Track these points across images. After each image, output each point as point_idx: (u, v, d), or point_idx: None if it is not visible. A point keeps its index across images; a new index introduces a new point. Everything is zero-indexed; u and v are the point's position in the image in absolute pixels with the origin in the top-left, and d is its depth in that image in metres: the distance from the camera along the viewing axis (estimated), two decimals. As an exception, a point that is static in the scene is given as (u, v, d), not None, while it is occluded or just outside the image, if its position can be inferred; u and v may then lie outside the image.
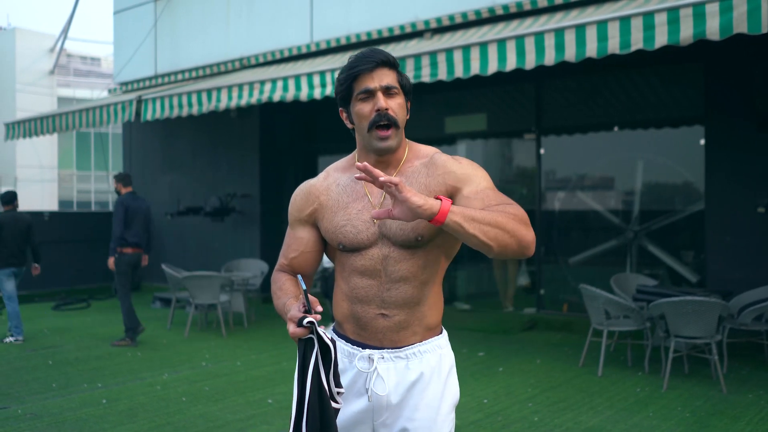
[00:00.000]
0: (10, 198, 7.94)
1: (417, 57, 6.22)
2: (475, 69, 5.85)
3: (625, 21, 5.05)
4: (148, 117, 8.73)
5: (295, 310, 1.73)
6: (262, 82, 7.46)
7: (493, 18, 7.44)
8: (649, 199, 8.47)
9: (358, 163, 1.64)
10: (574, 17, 5.91)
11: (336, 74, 6.91)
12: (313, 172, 7.00)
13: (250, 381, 5.82)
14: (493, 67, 5.76)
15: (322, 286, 8.24)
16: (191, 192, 11.41)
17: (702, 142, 7.44)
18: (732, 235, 7.11)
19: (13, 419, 4.77)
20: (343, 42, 8.68)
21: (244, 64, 9.89)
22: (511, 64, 5.66)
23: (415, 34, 8.05)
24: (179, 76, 10.86)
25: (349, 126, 1.95)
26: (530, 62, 5.56)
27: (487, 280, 9.31)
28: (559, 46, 5.40)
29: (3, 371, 6.18)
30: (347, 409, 1.93)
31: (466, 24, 7.63)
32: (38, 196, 28.32)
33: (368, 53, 1.86)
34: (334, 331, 2.02)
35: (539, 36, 5.51)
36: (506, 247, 1.70)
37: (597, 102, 8.65)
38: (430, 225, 1.81)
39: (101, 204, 31.07)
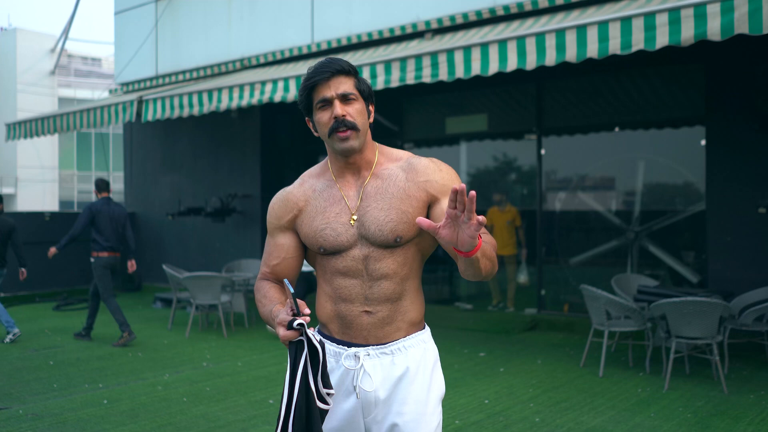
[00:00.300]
0: None
1: (418, 57, 6.22)
2: (476, 69, 5.85)
3: (626, 21, 5.05)
4: (149, 117, 8.73)
5: (284, 314, 1.75)
6: (263, 83, 7.46)
7: (494, 18, 7.44)
8: (650, 200, 8.47)
9: (456, 186, 1.63)
10: (575, 18, 5.91)
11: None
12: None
13: (251, 381, 5.82)
14: (494, 68, 5.76)
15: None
16: (192, 192, 11.41)
17: (703, 142, 7.44)
18: (733, 235, 7.11)
19: (15, 419, 4.77)
20: (345, 42, 8.69)
21: (245, 65, 9.89)
22: (512, 64, 5.66)
23: (416, 34, 8.05)
24: (180, 77, 10.86)
25: (315, 134, 2.01)
26: (531, 63, 5.56)
27: (487, 281, 9.31)
28: (560, 47, 5.40)
29: (4, 371, 6.19)
30: (338, 408, 1.96)
31: (467, 24, 7.63)
32: (39, 196, 28.37)
33: (325, 63, 1.92)
34: (319, 332, 2.05)
35: (540, 36, 5.51)
36: (483, 277, 1.84)
37: (598, 102, 8.65)
38: (408, 227, 1.90)
39: (102, 204, 31.07)
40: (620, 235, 8.40)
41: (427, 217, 1.94)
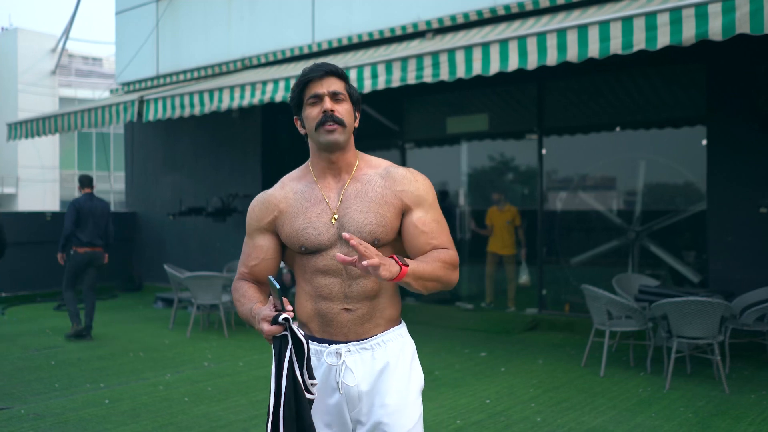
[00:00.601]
0: None
1: (419, 57, 6.22)
2: (477, 69, 5.85)
3: (627, 21, 5.05)
4: (150, 117, 8.73)
5: (267, 310, 1.83)
6: (264, 83, 7.47)
7: (495, 18, 7.44)
8: (651, 200, 8.47)
9: (346, 234, 1.76)
10: (576, 17, 5.91)
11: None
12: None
13: (252, 381, 5.82)
14: (495, 68, 5.76)
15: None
16: (193, 192, 11.42)
17: (704, 142, 7.43)
18: (734, 235, 7.10)
19: (16, 419, 4.78)
20: (345, 42, 8.69)
21: (246, 65, 9.90)
22: (513, 64, 5.66)
23: (417, 34, 8.05)
24: (181, 77, 10.86)
25: (302, 132, 2.10)
26: (532, 62, 5.56)
27: (492, 278, 9.29)
28: (561, 47, 5.39)
29: (6, 371, 6.19)
30: (324, 404, 2.03)
31: (468, 24, 7.63)
32: (40, 196, 28.37)
33: (319, 64, 2.05)
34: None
35: (541, 36, 5.51)
36: (435, 291, 1.99)
37: (599, 102, 8.65)
38: (386, 230, 2.00)
39: (103, 204, 31.07)
40: (621, 235, 8.40)
41: (401, 224, 2.04)
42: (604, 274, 8.13)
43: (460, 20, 7.68)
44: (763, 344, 6.34)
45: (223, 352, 7.02)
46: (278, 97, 7.35)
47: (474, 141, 9.83)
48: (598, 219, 8.85)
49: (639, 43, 5.00)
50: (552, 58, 5.45)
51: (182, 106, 8.34)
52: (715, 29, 4.65)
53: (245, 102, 7.66)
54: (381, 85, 6.48)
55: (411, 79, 6.28)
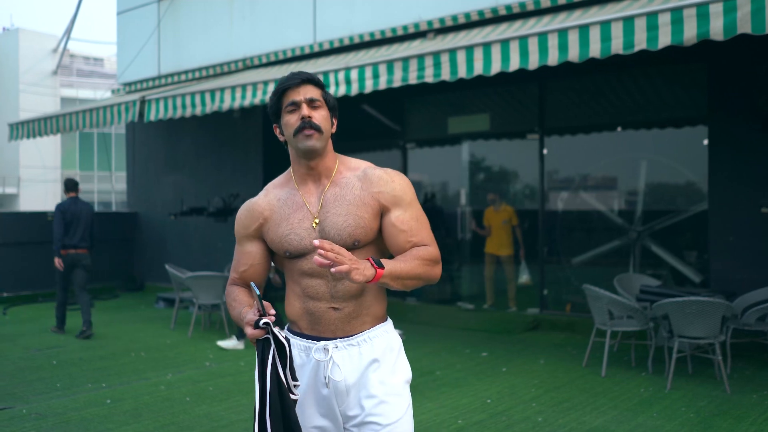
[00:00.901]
0: None
1: (420, 57, 6.22)
2: (478, 69, 5.85)
3: (628, 21, 5.05)
4: (152, 117, 8.74)
5: (251, 314, 1.93)
6: (266, 83, 7.47)
7: (496, 18, 7.44)
8: (652, 200, 8.47)
9: (316, 242, 1.81)
10: (578, 17, 5.91)
11: (339, 75, 6.93)
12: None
13: (254, 381, 5.81)
14: (496, 68, 5.76)
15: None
16: (194, 192, 11.42)
17: (705, 142, 7.43)
18: (735, 235, 7.10)
19: (18, 419, 4.79)
20: (347, 42, 8.69)
21: (247, 65, 9.90)
22: (514, 64, 5.66)
23: (418, 34, 8.05)
24: (182, 77, 10.87)
25: (281, 139, 2.17)
26: (533, 62, 5.56)
27: (491, 280, 9.29)
28: (563, 47, 5.39)
29: (7, 371, 6.20)
30: (317, 396, 2.10)
31: (469, 24, 7.63)
32: (41, 196, 28.41)
33: (295, 72, 2.10)
34: (290, 329, 2.19)
35: (542, 36, 5.51)
36: (416, 287, 2.06)
37: (600, 102, 8.65)
38: (365, 231, 2.05)
39: (104, 204, 31.12)
40: (622, 235, 8.40)
41: (380, 224, 2.09)
42: (605, 274, 8.13)
43: (462, 20, 7.68)
44: (765, 344, 6.34)
45: (224, 352, 7.03)
46: (279, 97, 7.34)
47: (475, 141, 9.83)
48: (599, 219, 8.84)
49: (640, 43, 5.00)
50: (553, 58, 5.45)
51: (184, 106, 8.34)
52: (717, 29, 4.64)
53: (246, 102, 7.66)
54: (382, 85, 6.48)
55: (412, 79, 6.28)
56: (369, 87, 6.55)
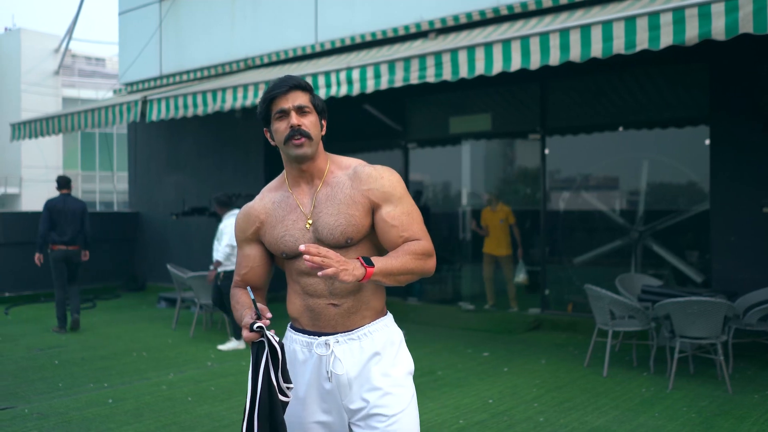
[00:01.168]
0: None
1: (421, 57, 6.22)
2: (479, 69, 5.85)
3: (630, 21, 5.05)
4: (153, 117, 8.75)
5: (247, 317, 1.99)
6: (267, 83, 7.47)
7: (497, 18, 7.43)
8: (654, 199, 8.46)
9: (302, 247, 1.86)
10: (579, 17, 5.91)
11: (340, 75, 6.94)
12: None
13: (255, 381, 5.82)
14: (497, 68, 5.76)
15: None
16: (196, 192, 11.43)
17: (707, 142, 7.43)
18: (737, 235, 7.09)
19: (20, 419, 4.79)
20: (348, 42, 8.69)
21: (249, 65, 9.91)
22: (515, 64, 5.66)
23: (420, 34, 8.04)
24: (184, 77, 10.88)
25: (273, 143, 2.19)
26: (535, 62, 5.56)
27: (490, 280, 9.29)
28: (564, 47, 5.39)
29: (9, 371, 6.21)
30: (320, 392, 2.14)
31: (471, 24, 7.63)
32: (43, 196, 28.41)
33: (284, 78, 2.12)
34: (292, 326, 2.23)
35: (544, 36, 5.50)
36: (411, 281, 2.10)
37: (602, 102, 8.65)
38: (356, 229, 2.09)
39: (106, 204, 31.15)
40: (624, 235, 8.40)
41: (372, 221, 2.12)
42: (607, 274, 8.12)
43: (463, 20, 7.67)
44: (767, 344, 6.33)
45: (225, 351, 7.03)
46: (281, 97, 7.34)
47: (477, 141, 9.83)
48: (601, 219, 8.84)
49: (642, 42, 5.00)
50: (555, 58, 5.45)
51: (185, 106, 8.35)
52: (718, 29, 4.64)
53: (248, 102, 7.67)
54: (384, 85, 6.48)
55: (414, 79, 6.28)
56: (371, 87, 6.55)
